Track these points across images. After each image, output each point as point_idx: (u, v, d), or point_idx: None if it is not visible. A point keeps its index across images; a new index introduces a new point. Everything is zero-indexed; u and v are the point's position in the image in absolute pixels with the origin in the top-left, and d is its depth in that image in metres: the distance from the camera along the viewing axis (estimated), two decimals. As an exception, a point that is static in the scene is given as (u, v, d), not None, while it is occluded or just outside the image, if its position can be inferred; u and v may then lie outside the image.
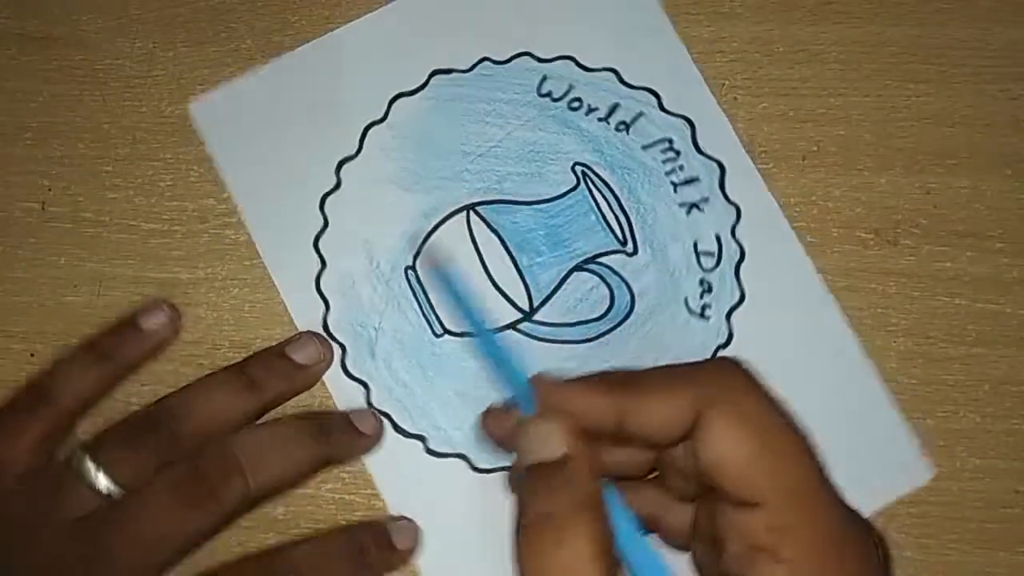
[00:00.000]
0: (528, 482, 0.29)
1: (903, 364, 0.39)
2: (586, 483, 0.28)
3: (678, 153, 0.41)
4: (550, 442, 0.29)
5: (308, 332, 0.39)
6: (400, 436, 0.39)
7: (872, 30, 0.42)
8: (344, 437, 0.37)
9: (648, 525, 0.33)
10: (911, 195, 0.41)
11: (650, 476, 0.34)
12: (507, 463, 0.37)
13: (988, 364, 0.39)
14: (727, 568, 0.29)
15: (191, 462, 0.35)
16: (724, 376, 0.30)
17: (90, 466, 0.34)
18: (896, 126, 0.41)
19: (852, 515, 0.29)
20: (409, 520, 0.38)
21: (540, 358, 0.39)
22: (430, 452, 0.38)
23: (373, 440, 0.38)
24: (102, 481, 0.34)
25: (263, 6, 0.43)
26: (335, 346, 0.39)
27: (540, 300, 0.39)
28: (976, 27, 0.42)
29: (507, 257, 0.40)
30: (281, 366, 0.38)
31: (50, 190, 0.41)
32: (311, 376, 0.39)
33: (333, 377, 0.39)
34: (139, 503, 0.34)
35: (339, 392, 0.39)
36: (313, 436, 0.36)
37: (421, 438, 0.38)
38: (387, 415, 0.39)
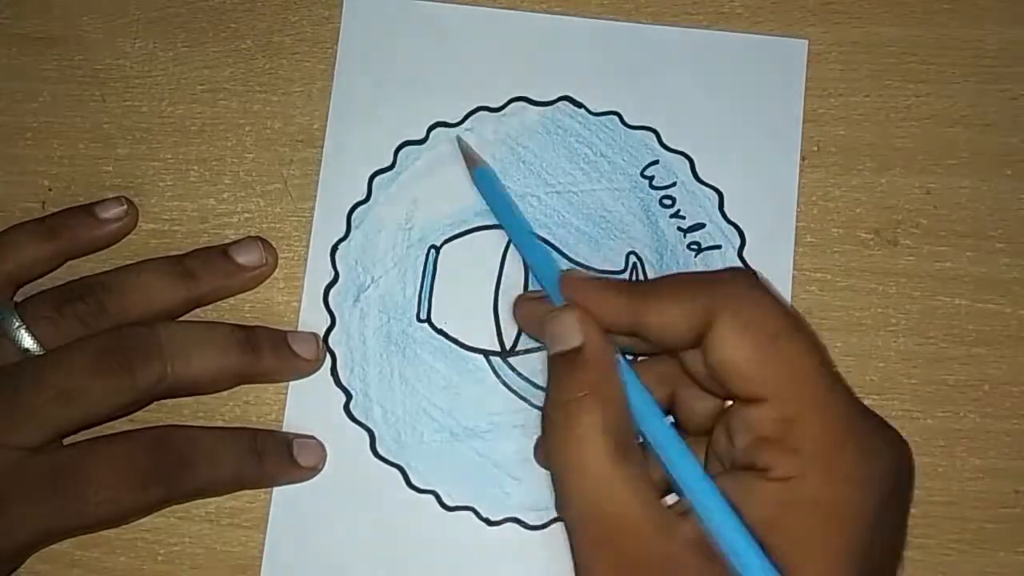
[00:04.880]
0: (552, 371, 0.31)
1: (903, 364, 0.39)
2: (599, 369, 0.30)
3: None
4: (568, 333, 0.31)
5: (254, 236, 0.40)
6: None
7: (872, 30, 0.42)
8: (275, 356, 0.38)
9: (670, 404, 0.34)
10: (911, 195, 0.41)
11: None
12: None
13: (988, 364, 0.39)
14: (737, 460, 0.30)
15: (115, 333, 0.36)
16: (734, 283, 0.30)
17: (15, 322, 0.36)
18: (896, 126, 0.41)
19: (866, 414, 0.30)
20: (316, 440, 0.38)
21: (487, 395, 0.39)
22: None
23: (309, 364, 0.39)
24: (24, 338, 0.36)
25: (263, 6, 0.43)
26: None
27: (523, 348, 0.39)
28: (976, 27, 0.42)
29: (522, 292, 0.39)
30: (221, 263, 0.39)
31: (50, 190, 0.41)
32: (250, 279, 0.39)
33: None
34: (55, 358, 0.35)
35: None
36: (241, 345, 0.37)
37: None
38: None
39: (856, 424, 0.29)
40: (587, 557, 0.29)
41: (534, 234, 0.38)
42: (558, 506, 0.30)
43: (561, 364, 0.31)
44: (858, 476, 0.28)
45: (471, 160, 0.40)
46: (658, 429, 0.30)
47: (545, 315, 0.32)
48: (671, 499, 0.31)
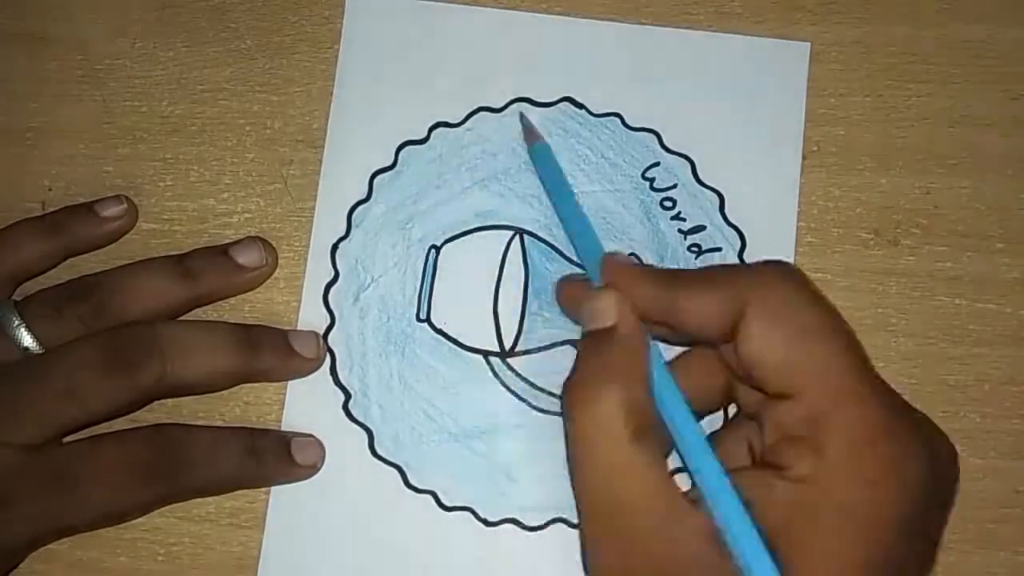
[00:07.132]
0: (582, 347, 0.31)
1: (903, 364, 0.39)
2: (628, 350, 0.30)
3: None
4: (603, 312, 0.31)
5: (254, 236, 0.40)
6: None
7: (872, 30, 0.42)
8: (275, 355, 0.38)
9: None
10: (911, 195, 0.41)
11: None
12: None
13: (988, 364, 0.39)
14: (767, 458, 0.29)
15: (115, 332, 0.36)
16: (769, 275, 0.30)
17: (14, 320, 0.36)
18: (896, 126, 0.41)
19: (903, 414, 0.29)
20: (314, 439, 0.38)
21: (486, 396, 0.39)
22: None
23: (309, 363, 0.38)
24: (24, 337, 0.36)
25: (263, 6, 0.43)
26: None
27: (523, 349, 0.39)
28: (976, 27, 0.42)
29: (521, 293, 0.40)
30: (221, 263, 0.39)
31: (50, 190, 0.41)
32: (250, 279, 0.39)
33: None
34: (56, 356, 0.35)
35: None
36: (242, 345, 0.37)
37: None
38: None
39: (890, 424, 0.28)
40: (594, 539, 0.29)
41: (584, 215, 0.38)
42: (572, 482, 0.30)
43: (592, 342, 0.31)
44: (886, 480, 0.27)
45: (531, 135, 0.40)
46: (678, 419, 0.30)
47: (583, 294, 0.33)
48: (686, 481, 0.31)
